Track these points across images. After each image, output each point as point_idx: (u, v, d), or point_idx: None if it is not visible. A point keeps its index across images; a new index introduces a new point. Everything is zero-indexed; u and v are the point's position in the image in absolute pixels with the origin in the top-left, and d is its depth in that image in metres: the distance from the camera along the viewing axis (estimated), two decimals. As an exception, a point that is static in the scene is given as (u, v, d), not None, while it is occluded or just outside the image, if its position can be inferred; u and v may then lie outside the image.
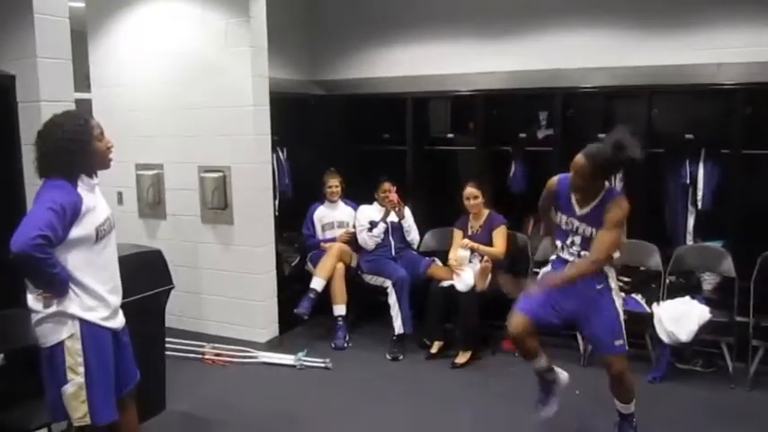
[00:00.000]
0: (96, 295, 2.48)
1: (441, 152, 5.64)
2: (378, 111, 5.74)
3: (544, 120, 5.16)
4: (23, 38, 3.04)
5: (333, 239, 5.18)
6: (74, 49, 3.26)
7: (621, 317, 3.16)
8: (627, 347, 3.17)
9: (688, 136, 4.63)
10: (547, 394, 3.37)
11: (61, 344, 2.42)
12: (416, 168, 5.50)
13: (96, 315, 2.48)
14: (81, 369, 2.42)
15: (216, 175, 4.86)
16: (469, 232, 4.79)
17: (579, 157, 3.03)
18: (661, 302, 4.27)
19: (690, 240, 4.67)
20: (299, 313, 4.76)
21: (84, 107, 4.92)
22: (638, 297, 4.46)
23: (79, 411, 2.44)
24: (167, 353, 3.93)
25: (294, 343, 4.86)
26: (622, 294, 4.39)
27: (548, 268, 3.36)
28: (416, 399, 4.01)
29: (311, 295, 4.81)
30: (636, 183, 4.80)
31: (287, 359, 4.56)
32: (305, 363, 4.52)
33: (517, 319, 3.16)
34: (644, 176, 4.74)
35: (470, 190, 4.71)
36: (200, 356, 4.63)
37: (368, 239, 5.03)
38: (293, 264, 5.42)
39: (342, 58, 5.92)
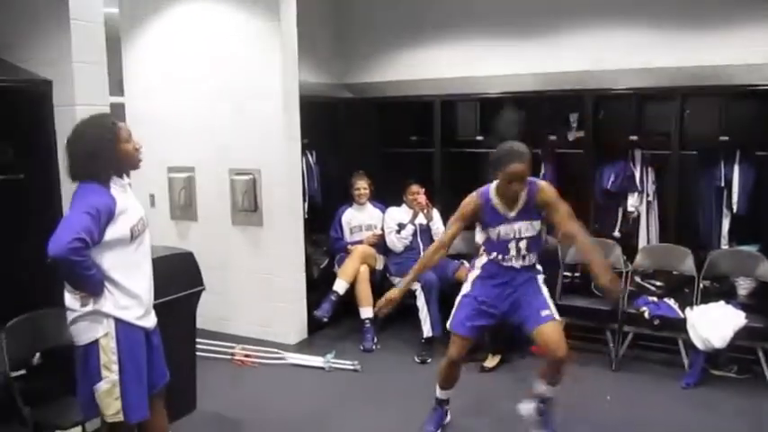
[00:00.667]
0: (131, 294, 2.52)
1: (469, 154, 5.62)
2: (406, 113, 5.75)
3: (575, 122, 5.12)
4: (60, 43, 3.11)
5: (360, 242, 5.19)
6: (108, 54, 3.33)
7: (546, 293, 3.29)
8: (557, 317, 3.21)
9: (722, 138, 4.55)
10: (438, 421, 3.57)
11: (96, 342, 2.46)
12: (444, 170, 5.49)
13: (131, 314, 2.52)
14: (115, 367, 2.46)
15: (246, 177, 4.90)
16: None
17: (518, 165, 3.05)
18: (695, 307, 4.19)
19: (724, 244, 4.59)
20: (319, 315, 4.79)
21: (118, 112, 5.01)
22: (671, 302, 4.38)
23: (112, 408, 2.49)
24: (198, 353, 3.96)
25: (323, 345, 4.87)
26: (653, 299, 4.39)
27: (477, 272, 3.38)
28: (445, 402, 3.99)
29: (332, 297, 4.84)
30: (669, 186, 4.74)
31: (315, 361, 4.58)
32: (333, 365, 4.53)
33: (459, 344, 3.35)
34: (677, 179, 4.68)
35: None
36: (229, 357, 4.67)
37: (396, 241, 5.03)
38: (322, 266, 5.44)
39: (370, 61, 5.94)
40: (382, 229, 5.17)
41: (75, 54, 3.11)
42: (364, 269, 4.97)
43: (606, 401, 3.82)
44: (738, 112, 4.66)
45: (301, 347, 4.89)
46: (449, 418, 3.65)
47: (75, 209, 2.42)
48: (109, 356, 2.46)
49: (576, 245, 3.30)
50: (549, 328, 3.17)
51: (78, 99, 3.13)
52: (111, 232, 2.44)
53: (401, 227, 5.00)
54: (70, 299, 2.50)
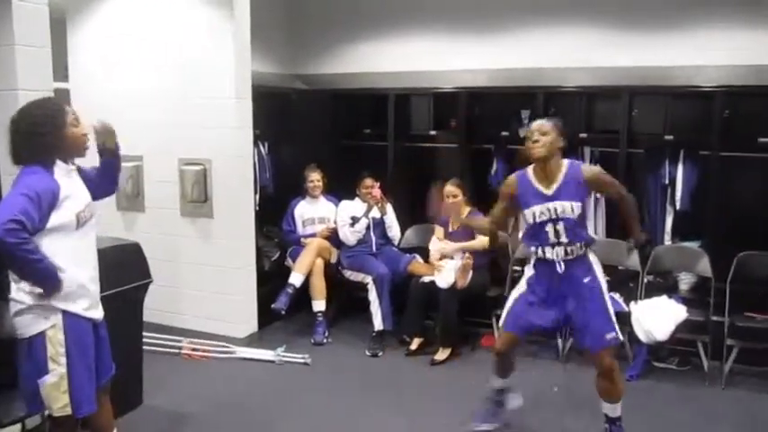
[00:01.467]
0: (78, 284, 2.45)
1: (422, 149, 5.64)
2: (360, 106, 5.74)
3: (526, 118, 5.17)
4: (1, 24, 2.98)
5: (313, 235, 5.16)
6: (52, 37, 3.21)
7: (611, 309, 3.15)
8: (620, 338, 3.19)
9: (667, 137, 4.68)
10: (491, 413, 3.49)
11: (42, 334, 2.39)
12: (398, 164, 5.50)
13: (78, 306, 2.45)
14: (63, 360, 2.40)
15: (196, 168, 4.80)
16: (450, 229, 4.80)
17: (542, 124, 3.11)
18: (639, 301, 4.31)
19: (668, 240, 4.73)
20: (276, 308, 4.73)
21: (63, 97, 4.84)
22: (617, 296, 4.48)
23: (59, 402, 2.42)
24: (145, 347, 3.88)
25: (273, 338, 4.83)
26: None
27: (530, 272, 3.26)
28: (395, 395, 4.01)
29: (289, 290, 4.79)
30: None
31: (266, 354, 4.54)
32: (284, 358, 4.49)
33: (505, 338, 3.31)
34: (624, 176, 4.79)
35: (449, 188, 4.72)
36: (177, 351, 4.58)
37: (349, 235, 5.01)
38: (273, 259, 5.39)
39: (324, 52, 5.89)
40: (335, 223, 5.15)
41: (17, 36, 2.99)
42: (320, 262, 4.95)
43: (553, 392, 3.89)
44: (683, 112, 4.80)
45: (251, 341, 4.84)
46: (519, 401, 3.50)
47: (12, 191, 2.33)
48: (56, 349, 2.39)
49: (623, 202, 3.25)
50: (610, 353, 3.12)
51: (20, 83, 3.01)
52: (56, 218, 2.35)
53: (355, 220, 4.99)
54: (15, 290, 2.41)
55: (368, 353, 4.64)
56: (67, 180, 2.45)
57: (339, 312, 5.24)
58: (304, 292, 4.90)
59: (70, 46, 5.21)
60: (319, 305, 4.91)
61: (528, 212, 3.16)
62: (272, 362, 4.48)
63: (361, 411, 3.80)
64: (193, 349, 4.60)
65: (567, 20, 5.00)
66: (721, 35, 4.51)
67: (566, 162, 3.15)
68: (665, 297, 4.29)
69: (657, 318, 4.12)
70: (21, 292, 2.40)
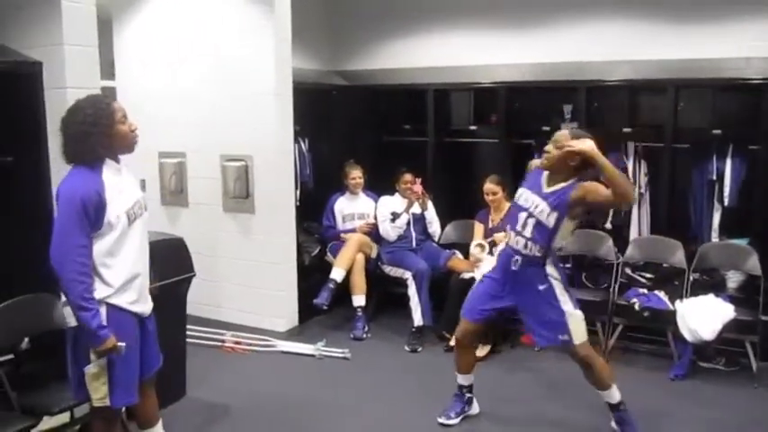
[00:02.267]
0: (125, 279, 2.49)
1: (462, 144, 5.61)
2: (399, 102, 5.73)
3: (568, 113, 5.11)
4: (51, 25, 3.06)
5: (353, 230, 5.18)
6: (99, 37, 3.28)
7: (571, 312, 3.15)
8: (576, 342, 3.15)
9: (715, 131, 4.56)
10: (457, 407, 3.56)
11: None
12: (437, 160, 5.49)
13: (123, 299, 2.50)
14: None
15: (238, 164, 4.87)
16: (490, 225, 4.76)
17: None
18: (684, 300, 4.21)
19: (715, 237, 4.62)
20: (318, 304, 4.76)
21: (109, 95, 4.94)
22: (661, 294, 4.40)
23: (99, 393, 2.48)
24: (188, 340, 3.96)
25: (313, 333, 4.87)
26: (643, 291, 4.41)
27: (492, 259, 3.43)
28: (434, 391, 3.98)
29: (330, 285, 4.81)
30: (661, 178, 4.75)
31: (306, 348, 4.57)
32: (324, 352, 4.52)
33: (462, 325, 3.43)
34: (669, 172, 4.69)
35: (489, 186, 4.69)
36: (220, 344, 4.66)
37: (390, 231, 5.01)
38: (313, 254, 5.42)
39: (364, 48, 5.90)
40: (375, 218, 5.16)
41: (65, 36, 3.06)
42: (360, 257, 4.96)
43: (596, 393, 3.83)
44: (731, 105, 4.68)
45: (292, 335, 4.88)
46: (475, 408, 3.63)
47: (61, 209, 2.39)
48: None
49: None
50: (580, 347, 3.16)
51: (69, 82, 3.08)
52: (107, 217, 2.42)
53: (395, 216, 4.99)
54: None
55: (407, 348, 4.64)
56: (116, 178, 2.50)
57: (378, 308, 5.25)
58: (344, 288, 4.92)
59: (116, 45, 5.33)
60: (359, 300, 4.92)
61: (520, 190, 3.23)
62: (313, 356, 4.51)
63: (400, 407, 3.81)
64: (236, 342, 4.66)
65: (610, 13, 4.91)
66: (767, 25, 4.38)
67: (573, 180, 3.08)
68: (711, 295, 4.19)
69: (704, 316, 4.03)
70: None
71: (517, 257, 3.20)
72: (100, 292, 2.44)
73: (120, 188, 2.49)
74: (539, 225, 3.11)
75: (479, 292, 3.44)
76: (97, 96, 2.62)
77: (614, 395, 3.24)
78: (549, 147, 3.10)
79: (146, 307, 2.64)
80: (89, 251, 2.38)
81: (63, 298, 2.50)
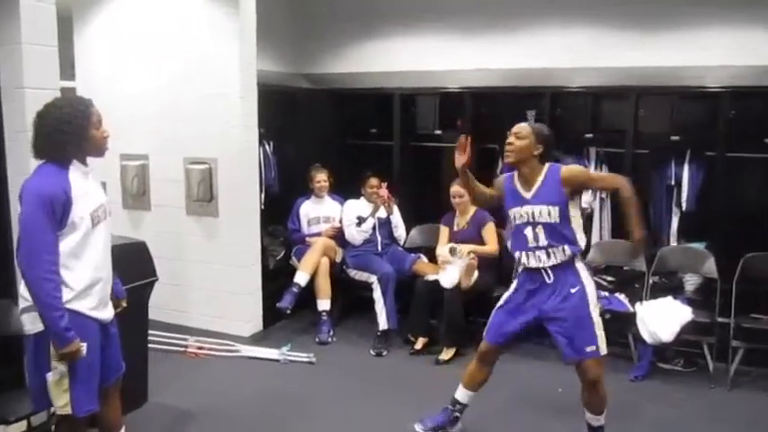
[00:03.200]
0: (86, 284, 2.46)
1: (428, 148, 5.64)
2: (365, 106, 5.74)
3: (532, 118, 5.16)
4: (9, 23, 2.99)
5: (318, 234, 5.16)
6: (59, 36, 3.21)
7: (597, 320, 3.03)
8: (602, 353, 3.02)
9: (674, 137, 4.67)
10: (440, 420, 3.43)
11: (43, 333, 2.39)
12: (403, 164, 5.51)
13: (84, 305, 2.46)
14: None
15: (202, 166, 4.81)
16: (455, 228, 4.80)
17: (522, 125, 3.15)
18: (644, 302, 4.30)
19: (673, 241, 4.73)
20: (282, 307, 4.73)
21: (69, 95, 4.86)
22: (622, 296, 4.49)
23: (61, 400, 2.44)
24: (150, 345, 3.90)
25: (278, 337, 4.84)
26: (605, 294, 4.48)
27: (518, 280, 3.21)
28: (400, 394, 4.01)
29: (294, 289, 4.79)
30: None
31: (270, 353, 4.54)
32: (288, 357, 4.50)
33: (484, 347, 3.27)
34: (629, 177, 4.76)
35: (456, 188, 4.72)
36: (183, 349, 4.60)
37: (356, 234, 5.01)
38: (278, 258, 5.39)
39: (330, 51, 5.88)
40: (340, 222, 5.15)
41: (24, 35, 2.99)
42: (325, 261, 4.95)
43: (558, 392, 3.88)
44: (690, 112, 4.79)
45: (256, 340, 4.84)
46: (459, 426, 3.46)
47: (27, 200, 2.34)
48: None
49: (621, 200, 3.06)
50: (595, 365, 3.03)
51: (27, 82, 3.01)
52: (70, 217, 2.38)
53: (361, 220, 4.99)
54: (23, 287, 2.42)
55: (372, 352, 4.64)
56: (82, 180, 2.46)
57: (344, 312, 5.25)
58: (309, 291, 4.90)
59: (77, 45, 5.23)
60: (324, 304, 4.91)
61: (510, 213, 3.15)
62: (277, 360, 4.48)
63: (366, 411, 3.81)
64: (199, 347, 4.61)
65: (574, 20, 4.98)
66: (727, 35, 4.49)
67: (546, 166, 3.08)
68: (670, 298, 4.29)
69: (663, 319, 4.12)
70: (24, 290, 2.42)
71: (546, 270, 3.06)
72: (62, 296, 2.38)
73: (85, 189, 2.45)
74: (549, 228, 3.02)
75: (503, 314, 3.21)
76: (76, 97, 2.60)
77: (601, 420, 3.18)
78: (510, 139, 3.09)
79: (106, 313, 2.59)
80: (57, 249, 2.35)
81: (20, 305, 2.45)
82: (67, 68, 4.74)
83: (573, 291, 3.04)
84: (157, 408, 3.73)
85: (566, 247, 3.02)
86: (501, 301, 3.26)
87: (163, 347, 4.53)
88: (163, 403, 3.79)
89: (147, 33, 4.93)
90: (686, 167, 4.63)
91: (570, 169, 3.10)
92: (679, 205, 4.67)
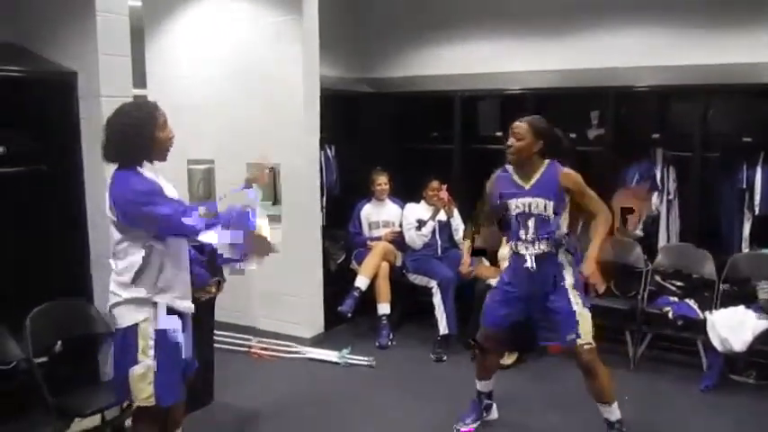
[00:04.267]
0: (171, 276, 2.56)
1: (489, 151, 5.58)
2: (426, 109, 5.73)
3: (595, 119, 5.08)
4: (86, 35, 3.13)
5: (379, 238, 5.19)
6: (132, 46, 3.34)
7: (581, 311, 3.11)
8: (583, 341, 3.09)
9: (746, 138, 4.49)
10: (474, 414, 3.55)
11: (135, 326, 2.51)
12: (464, 167, 5.47)
13: (169, 296, 2.57)
14: (151, 352, 2.51)
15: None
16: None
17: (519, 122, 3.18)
18: (714, 311, 4.15)
19: (745, 248, 4.53)
20: (343, 311, 4.78)
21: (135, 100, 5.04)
22: (691, 302, 4.33)
23: (145, 393, 2.53)
24: (215, 345, 4.00)
25: (338, 340, 4.88)
26: (674, 299, 4.35)
27: (507, 265, 3.42)
28: (459, 400, 3.95)
29: (355, 293, 4.83)
30: (690, 186, 4.69)
31: (331, 356, 4.59)
32: (349, 360, 4.54)
33: (482, 333, 3.41)
34: (698, 180, 4.63)
35: None
36: (246, 350, 4.70)
37: (416, 238, 5.01)
38: (339, 261, 5.44)
39: (391, 55, 5.92)
40: (401, 226, 5.17)
41: (100, 46, 3.13)
42: (385, 265, 4.97)
43: (624, 401, 3.79)
44: (762, 112, 4.59)
45: (317, 342, 4.90)
46: (494, 414, 3.62)
47: (134, 201, 2.44)
48: (146, 341, 2.51)
49: (595, 225, 3.15)
50: (587, 350, 3.10)
51: (103, 90, 3.14)
52: None
53: (421, 224, 4.99)
54: (114, 284, 2.54)
55: (432, 357, 4.63)
56: (156, 178, 2.57)
57: (404, 316, 5.25)
58: (369, 296, 4.93)
59: (148, 54, 5.42)
60: (384, 308, 4.93)
61: (509, 204, 3.21)
62: (338, 363, 4.53)
63: (424, 415, 3.80)
64: (262, 348, 4.70)
65: (638, 18, 4.87)
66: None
67: (546, 162, 3.16)
68: (742, 307, 4.12)
69: (735, 327, 3.96)
70: (118, 285, 2.53)
71: (530, 260, 3.17)
72: (150, 291, 2.50)
73: (164, 185, 2.57)
74: (540, 221, 3.12)
75: (493, 299, 3.40)
76: (141, 101, 2.71)
77: (615, 412, 3.19)
78: (510, 141, 3.15)
79: (187, 305, 2.69)
80: (188, 205, 2.51)
81: (111, 300, 2.56)
82: (139, 77, 4.92)
83: (556, 281, 3.15)
84: (223, 407, 3.83)
85: (552, 240, 3.12)
86: (494, 286, 3.47)
87: (228, 348, 4.64)
88: (227, 403, 3.88)
89: (213, 42, 5.06)
90: (759, 170, 4.44)
91: (570, 173, 3.14)
92: (751, 209, 4.48)
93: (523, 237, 3.17)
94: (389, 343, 4.86)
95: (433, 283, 4.81)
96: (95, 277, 3.27)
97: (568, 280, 3.17)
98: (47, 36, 3.27)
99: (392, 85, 5.82)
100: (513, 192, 3.20)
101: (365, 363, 4.50)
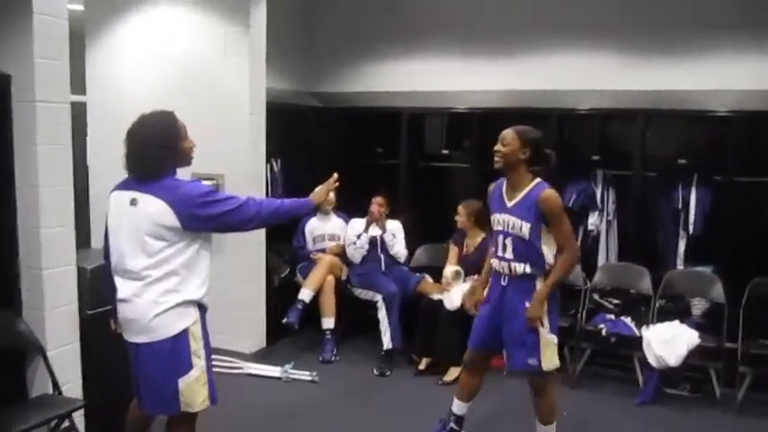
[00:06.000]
0: (204, 281, 2.60)
1: (435, 168, 5.64)
2: (373, 125, 5.75)
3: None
4: (22, 38, 3.01)
5: (323, 251, 5.16)
6: (71, 51, 3.24)
7: (546, 336, 3.07)
8: (544, 369, 3.08)
9: (681, 161, 4.66)
10: None
11: (186, 330, 2.50)
12: (410, 183, 5.51)
13: (205, 299, 2.60)
14: (203, 353, 2.53)
15: (209, 182, 4.80)
16: (464, 251, 4.76)
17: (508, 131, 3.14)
18: (650, 326, 4.27)
19: (680, 265, 4.69)
20: (288, 323, 4.72)
21: (79, 110, 4.89)
22: (628, 320, 4.45)
23: (201, 395, 2.54)
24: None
25: (281, 355, 4.81)
26: (610, 317, 4.45)
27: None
28: (403, 415, 3.97)
29: (299, 306, 4.78)
30: (629, 205, 4.83)
31: (273, 371, 4.52)
32: (291, 375, 4.48)
33: (467, 354, 3.38)
34: (637, 199, 4.77)
35: (461, 209, 4.69)
36: (185, 365, 4.57)
37: (354, 252, 5.01)
38: (282, 275, 5.38)
39: (339, 70, 5.93)
40: (345, 240, 5.15)
41: (36, 49, 3.01)
42: (330, 279, 4.94)
43: (563, 417, 3.84)
44: (697, 136, 4.80)
45: (259, 357, 4.82)
46: None
47: (206, 200, 2.50)
48: (198, 343, 2.53)
49: (556, 261, 3.09)
50: (536, 376, 3.13)
51: (38, 95, 3.03)
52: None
53: (358, 237, 4.99)
54: (160, 292, 2.48)
55: (376, 372, 4.61)
56: None
57: (348, 330, 5.22)
58: (313, 310, 4.88)
59: (88, 60, 5.28)
60: (328, 323, 4.89)
61: (492, 218, 3.22)
62: (280, 378, 4.46)
63: (368, 431, 3.77)
64: (201, 364, 4.58)
65: (582, 43, 5.01)
66: (736, 60, 4.53)
67: (536, 181, 3.10)
68: (677, 322, 4.26)
69: (669, 343, 4.09)
70: (163, 293, 2.48)
71: (505, 278, 3.16)
72: (194, 293, 2.53)
73: None
74: (518, 241, 3.07)
75: (479, 320, 3.33)
76: (161, 112, 2.71)
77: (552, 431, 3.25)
78: (497, 146, 3.13)
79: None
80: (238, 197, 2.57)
81: (154, 310, 2.49)
82: (78, 83, 4.79)
83: (527, 305, 3.07)
84: (157, 424, 3.69)
85: (527, 264, 3.07)
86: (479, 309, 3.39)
87: (165, 363, 4.51)
88: (161, 420, 3.75)
89: (157, 49, 4.98)
90: (693, 191, 4.61)
91: (549, 197, 3.03)
92: (686, 229, 4.64)
93: (501, 254, 3.14)
94: (333, 358, 4.82)
95: (378, 298, 4.80)
96: (24, 289, 3.13)
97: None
98: (-20, 37, 3.14)
99: (340, 99, 5.83)
100: (497, 206, 3.18)
101: (308, 378, 4.45)
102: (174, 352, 2.48)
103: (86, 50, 5.26)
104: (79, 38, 5.03)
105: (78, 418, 3.10)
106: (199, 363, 2.50)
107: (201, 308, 2.60)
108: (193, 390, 2.50)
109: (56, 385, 3.06)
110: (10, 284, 3.11)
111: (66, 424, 2.98)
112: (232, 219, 2.53)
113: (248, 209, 2.56)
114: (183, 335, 2.49)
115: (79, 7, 5.08)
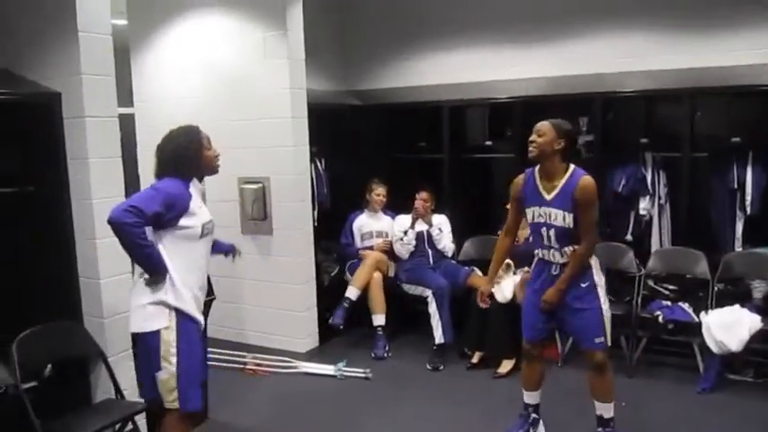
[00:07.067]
0: (190, 287, 2.68)
1: (478, 160, 5.60)
2: (414, 119, 5.74)
3: (584, 126, 5.08)
4: (68, 55, 3.11)
5: (371, 248, 5.17)
6: (117, 65, 3.33)
7: (605, 315, 3.16)
8: (608, 344, 3.19)
9: (734, 139, 4.50)
10: (521, 430, 3.48)
11: (157, 333, 2.60)
12: (454, 176, 5.47)
13: (189, 306, 2.66)
14: (173, 359, 2.59)
15: (255, 186, 4.90)
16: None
17: (543, 123, 3.17)
18: (709, 311, 4.14)
19: (738, 247, 4.53)
20: (334, 323, 4.76)
21: (127, 122, 5.03)
22: (686, 306, 4.33)
23: (170, 396, 2.63)
24: (209, 362, 3.96)
25: (334, 353, 4.86)
26: (666, 303, 4.35)
27: (533, 270, 3.38)
28: (457, 409, 3.96)
29: (345, 304, 4.82)
30: (680, 188, 4.70)
31: (327, 369, 4.57)
32: (345, 373, 4.51)
33: (527, 346, 3.42)
34: (688, 181, 4.64)
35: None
36: (241, 366, 4.66)
37: (401, 248, 5.01)
38: (332, 274, 5.41)
39: (377, 67, 5.94)
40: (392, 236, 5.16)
41: (83, 66, 3.10)
42: (377, 276, 4.95)
43: (621, 407, 3.77)
44: (748, 112, 4.61)
45: (313, 356, 4.88)
46: (541, 428, 3.52)
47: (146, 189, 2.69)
48: (168, 348, 2.59)
49: (575, 252, 3.15)
50: (601, 353, 3.18)
51: (87, 111, 3.12)
52: (185, 221, 2.67)
53: (404, 233, 4.99)
54: (140, 288, 2.64)
55: (429, 366, 4.61)
56: (198, 196, 2.80)
57: (399, 326, 5.23)
58: (364, 307, 4.91)
59: (134, 73, 5.42)
60: (379, 319, 4.90)
61: (528, 211, 3.23)
62: (334, 376, 4.50)
63: (423, 426, 3.77)
64: (257, 364, 4.66)
65: (623, 23, 4.90)
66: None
67: (572, 168, 3.14)
68: (737, 306, 4.12)
69: (730, 328, 3.96)
70: (141, 290, 2.64)
71: (556, 267, 3.21)
72: (171, 299, 2.62)
73: (200, 203, 2.80)
74: (560, 231, 3.12)
75: (529, 309, 3.37)
76: (186, 126, 2.88)
77: (611, 409, 3.25)
78: (532, 137, 3.14)
79: (201, 318, 2.77)
80: (147, 210, 2.55)
81: (131, 302, 2.71)
82: (125, 96, 4.92)
83: (583, 285, 3.16)
84: (217, 425, 3.79)
85: (575, 246, 3.13)
86: (526, 297, 3.44)
87: (222, 364, 4.61)
88: (222, 420, 3.84)
89: (199, 58, 5.08)
90: (749, 169, 4.44)
91: (587, 187, 3.08)
92: (743, 209, 4.48)
93: (546, 244, 3.20)
94: (385, 354, 4.83)
95: (428, 293, 4.79)
96: (85, 298, 3.24)
97: (596, 282, 3.18)
98: (30, 57, 3.25)
99: (380, 96, 5.83)
100: (534, 200, 3.20)
101: (361, 375, 4.48)
102: (146, 349, 2.64)
103: (132, 63, 5.41)
104: (124, 51, 5.17)
105: (141, 420, 3.19)
106: (168, 367, 2.60)
107: (184, 316, 2.65)
108: (163, 388, 2.62)
109: (118, 389, 3.17)
110: (71, 294, 3.23)
111: (129, 427, 3.08)
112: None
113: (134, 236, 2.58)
114: (154, 336, 2.61)
115: (123, 22, 5.22)
